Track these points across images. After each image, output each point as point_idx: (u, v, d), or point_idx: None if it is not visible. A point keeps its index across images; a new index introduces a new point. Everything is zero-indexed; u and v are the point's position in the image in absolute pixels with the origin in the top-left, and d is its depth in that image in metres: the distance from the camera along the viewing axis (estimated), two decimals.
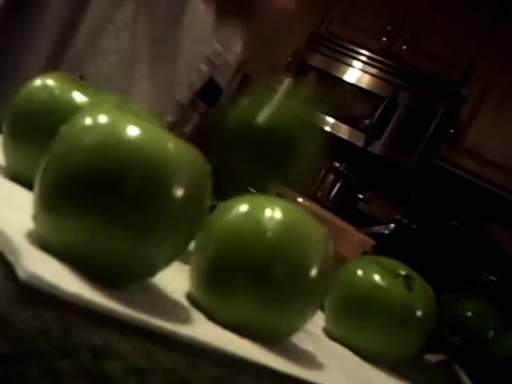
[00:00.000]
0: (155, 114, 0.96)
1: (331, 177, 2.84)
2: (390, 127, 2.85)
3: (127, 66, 0.92)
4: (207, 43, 1.00)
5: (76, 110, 0.38)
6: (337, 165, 2.82)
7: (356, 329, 0.56)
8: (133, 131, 0.35)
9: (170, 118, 0.98)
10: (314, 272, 0.41)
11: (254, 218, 0.41)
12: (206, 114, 1.05)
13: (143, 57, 0.94)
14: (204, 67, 1.00)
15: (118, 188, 0.34)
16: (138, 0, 0.89)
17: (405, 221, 2.77)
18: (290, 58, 3.11)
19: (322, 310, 0.58)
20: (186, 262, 0.43)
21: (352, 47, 2.99)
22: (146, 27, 0.92)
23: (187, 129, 1.03)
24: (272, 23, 0.79)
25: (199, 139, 1.02)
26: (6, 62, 0.86)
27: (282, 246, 0.40)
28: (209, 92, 1.03)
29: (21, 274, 0.30)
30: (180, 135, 0.37)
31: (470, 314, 0.92)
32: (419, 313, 0.55)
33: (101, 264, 0.35)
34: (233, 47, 1.04)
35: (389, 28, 3.01)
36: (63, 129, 0.36)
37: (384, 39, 3.02)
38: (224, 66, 1.03)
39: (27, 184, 0.46)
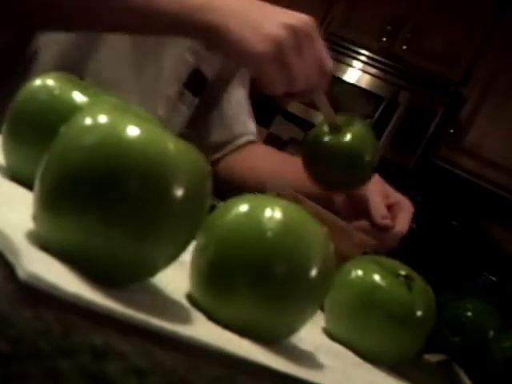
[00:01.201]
0: (145, 108, 0.97)
1: None
2: (390, 127, 2.85)
3: (114, 63, 0.92)
4: None
5: (76, 109, 0.38)
6: None
7: (356, 329, 0.56)
8: (133, 131, 0.35)
9: (160, 112, 0.98)
10: (313, 272, 0.41)
11: (254, 218, 0.41)
12: (193, 104, 1.05)
13: (129, 53, 0.93)
14: (190, 58, 0.99)
15: (118, 188, 0.34)
16: None
17: None
18: None
19: (322, 309, 0.58)
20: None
21: (352, 47, 2.99)
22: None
23: (177, 120, 1.03)
24: None
25: (191, 129, 1.02)
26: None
27: (282, 246, 0.40)
28: (195, 82, 1.02)
29: (21, 274, 0.30)
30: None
31: (469, 313, 0.92)
32: (419, 313, 0.55)
33: (101, 264, 0.35)
34: None
35: (389, 28, 3.01)
36: (63, 129, 0.36)
37: (384, 39, 3.02)
38: (210, 55, 1.01)
39: (27, 184, 0.46)
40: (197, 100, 1.05)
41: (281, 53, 0.67)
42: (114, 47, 0.92)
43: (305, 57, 0.69)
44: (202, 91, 1.06)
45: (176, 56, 0.98)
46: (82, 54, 0.90)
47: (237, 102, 1.12)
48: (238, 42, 0.67)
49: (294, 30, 0.68)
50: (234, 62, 0.72)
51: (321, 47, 0.72)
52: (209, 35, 0.69)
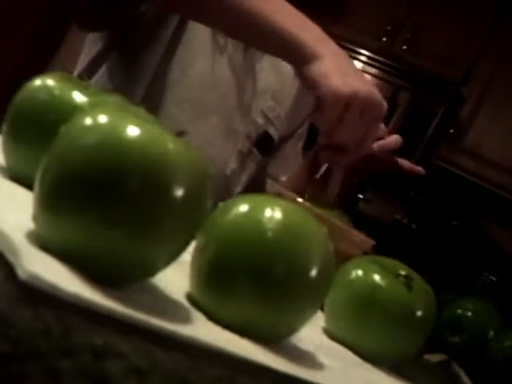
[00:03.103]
0: (221, 160, 1.04)
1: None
2: (389, 127, 2.85)
3: (199, 115, 1.00)
4: (263, 98, 1.09)
5: (76, 109, 0.38)
6: None
7: (356, 329, 0.56)
8: (133, 131, 0.35)
9: (233, 165, 1.07)
10: (313, 272, 0.41)
11: (254, 218, 0.41)
12: (260, 163, 1.14)
13: (212, 107, 1.02)
14: (260, 120, 1.09)
15: (118, 188, 0.34)
16: (214, 52, 0.98)
17: (405, 221, 2.77)
18: None
19: (322, 309, 0.58)
20: None
21: (352, 47, 2.99)
22: (217, 79, 1.00)
23: (244, 175, 1.11)
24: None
25: (255, 186, 1.11)
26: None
27: (282, 246, 0.40)
28: (263, 143, 1.12)
29: (21, 273, 0.30)
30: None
31: (470, 314, 0.92)
32: (419, 313, 0.55)
33: (101, 264, 0.35)
34: (285, 102, 1.13)
35: (389, 28, 3.00)
36: (63, 129, 0.36)
37: (384, 39, 3.02)
38: (276, 119, 1.12)
39: (27, 184, 0.46)
40: (263, 159, 1.14)
41: (350, 101, 0.74)
42: (198, 99, 0.99)
43: (361, 121, 0.76)
44: (269, 152, 1.15)
45: (247, 117, 1.07)
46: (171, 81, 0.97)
47: (295, 152, 1.20)
48: (326, 75, 0.75)
49: (370, 96, 0.75)
50: (310, 86, 0.76)
51: (376, 128, 0.78)
52: (306, 59, 0.76)
